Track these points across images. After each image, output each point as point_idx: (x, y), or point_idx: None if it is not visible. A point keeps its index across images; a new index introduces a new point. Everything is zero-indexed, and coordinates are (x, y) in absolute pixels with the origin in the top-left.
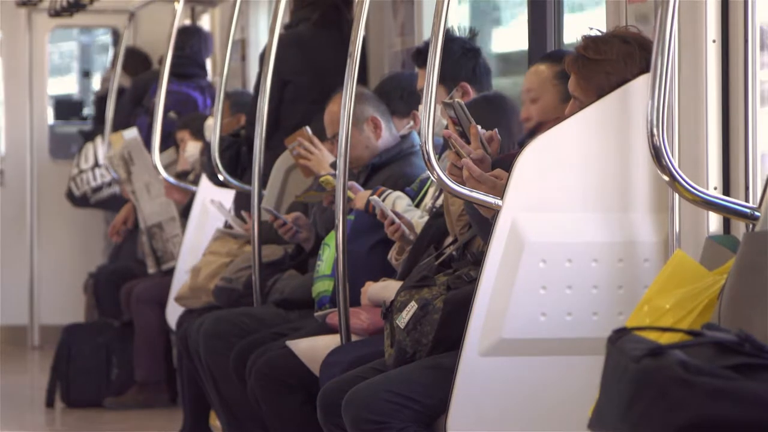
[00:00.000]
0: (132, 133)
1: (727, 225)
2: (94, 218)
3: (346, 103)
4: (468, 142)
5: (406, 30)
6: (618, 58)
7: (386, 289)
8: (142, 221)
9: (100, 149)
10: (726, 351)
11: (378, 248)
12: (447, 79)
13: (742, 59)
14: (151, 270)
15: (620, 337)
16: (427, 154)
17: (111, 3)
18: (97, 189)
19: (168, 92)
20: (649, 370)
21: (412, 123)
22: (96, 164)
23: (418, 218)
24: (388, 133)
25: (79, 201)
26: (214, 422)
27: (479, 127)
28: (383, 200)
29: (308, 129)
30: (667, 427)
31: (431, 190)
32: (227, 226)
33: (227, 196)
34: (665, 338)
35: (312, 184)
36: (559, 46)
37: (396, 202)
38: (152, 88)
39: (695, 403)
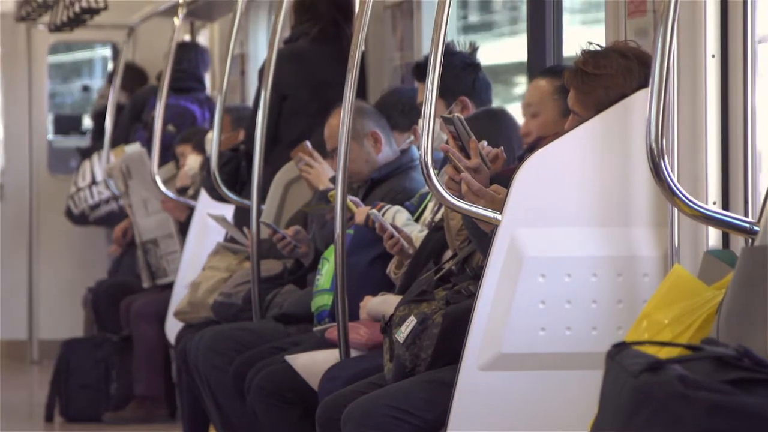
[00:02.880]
0: (134, 147)
1: (726, 240)
2: (93, 233)
3: (345, 117)
4: (468, 157)
5: (406, 44)
6: (617, 72)
7: (385, 303)
8: (138, 236)
9: (96, 166)
10: (725, 366)
11: (377, 262)
12: (446, 94)
13: (741, 74)
14: (145, 284)
15: (619, 351)
16: (426, 168)
17: (110, 18)
18: (95, 206)
19: (165, 106)
20: (648, 385)
21: (412, 137)
22: (93, 181)
23: (418, 232)
24: (388, 148)
25: (78, 219)
26: None
27: (485, 142)
28: (383, 215)
29: (308, 143)
30: None
31: (431, 205)
32: (228, 239)
33: (226, 212)
34: (664, 353)
35: (313, 197)
36: (559, 60)
37: (395, 216)
38: (150, 103)
39: (694, 418)
